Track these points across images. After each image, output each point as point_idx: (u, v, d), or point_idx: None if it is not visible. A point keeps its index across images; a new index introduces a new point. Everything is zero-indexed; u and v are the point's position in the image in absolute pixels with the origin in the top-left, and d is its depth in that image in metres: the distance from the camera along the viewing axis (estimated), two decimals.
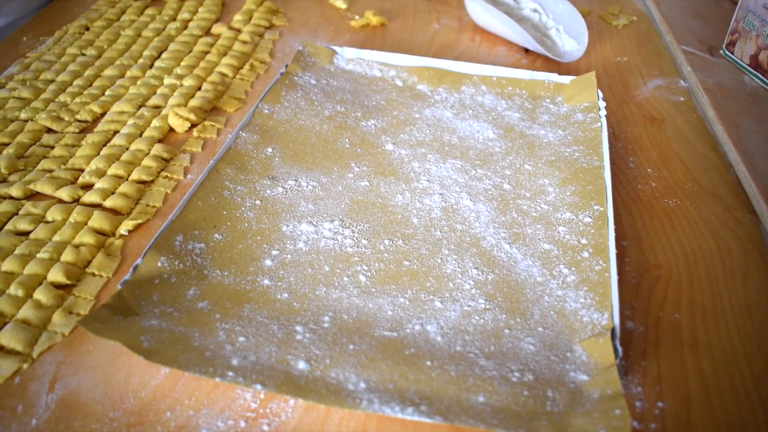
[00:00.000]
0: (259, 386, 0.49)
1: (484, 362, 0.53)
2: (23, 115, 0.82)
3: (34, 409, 0.51)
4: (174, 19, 1.06)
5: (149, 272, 0.59)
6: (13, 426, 0.50)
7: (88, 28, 1.03)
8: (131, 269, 0.58)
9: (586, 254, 0.63)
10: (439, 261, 0.63)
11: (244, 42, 0.99)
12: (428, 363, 0.52)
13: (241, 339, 0.53)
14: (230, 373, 0.50)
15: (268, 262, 0.62)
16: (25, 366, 0.54)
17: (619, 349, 0.53)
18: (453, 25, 1.09)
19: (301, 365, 0.51)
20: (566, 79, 0.89)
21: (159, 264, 0.59)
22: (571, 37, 1.02)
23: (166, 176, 0.74)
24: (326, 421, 0.51)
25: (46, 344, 0.56)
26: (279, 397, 0.52)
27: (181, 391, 0.52)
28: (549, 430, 0.46)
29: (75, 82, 0.89)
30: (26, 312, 0.58)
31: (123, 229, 0.66)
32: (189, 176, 0.74)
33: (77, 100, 0.85)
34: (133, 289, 0.57)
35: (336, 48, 0.94)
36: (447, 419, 0.47)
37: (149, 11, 1.08)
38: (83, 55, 0.96)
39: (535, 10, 1.07)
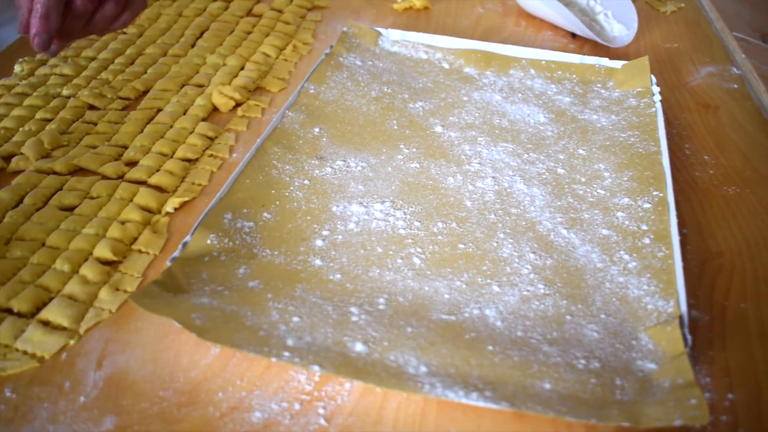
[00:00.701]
0: (316, 367, 0.47)
1: (547, 348, 0.51)
2: (65, 92, 0.81)
3: (81, 387, 0.50)
4: None
5: (198, 249, 0.57)
6: (60, 403, 0.48)
7: None
8: (180, 246, 0.57)
9: (647, 240, 0.61)
10: (495, 245, 0.61)
11: (287, 23, 0.97)
12: (490, 348, 0.50)
13: (295, 319, 0.52)
14: (286, 353, 0.48)
15: (318, 242, 0.60)
16: (72, 342, 0.53)
17: (689, 337, 0.51)
18: (497, 10, 1.07)
19: (359, 347, 0.50)
20: (617, 64, 0.87)
21: (208, 241, 0.58)
22: (619, 22, 1.00)
23: (211, 155, 0.72)
24: (384, 405, 0.49)
25: (93, 321, 0.54)
26: (334, 379, 0.50)
27: (233, 372, 0.51)
28: (621, 419, 0.44)
29: (116, 60, 0.87)
30: (72, 287, 0.56)
31: (169, 207, 0.65)
32: (234, 155, 0.73)
33: (119, 77, 0.84)
34: (182, 266, 0.55)
35: (381, 30, 0.92)
36: (513, 405, 0.45)
37: None
38: (124, 33, 0.94)
39: None
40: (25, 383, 0.50)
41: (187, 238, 0.58)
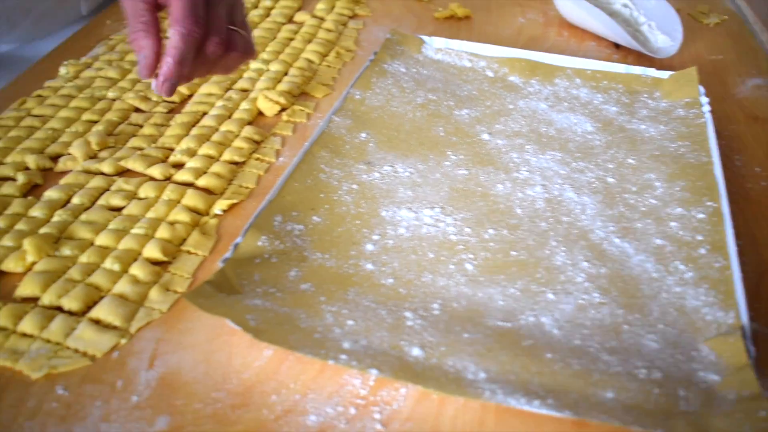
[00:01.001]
0: (374, 371, 0.46)
1: (607, 357, 0.50)
2: (110, 94, 0.81)
3: (133, 386, 0.49)
4: (256, 6, 1.04)
5: (249, 251, 0.57)
6: (113, 401, 0.48)
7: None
8: (231, 247, 0.57)
9: (703, 251, 0.60)
10: (548, 252, 0.60)
11: (329, 30, 0.97)
12: (548, 355, 0.49)
13: (350, 322, 0.51)
14: (343, 356, 0.47)
15: (369, 247, 0.60)
16: (123, 341, 0.52)
17: (752, 348, 0.50)
18: (538, 20, 1.06)
19: (416, 352, 0.49)
20: (664, 74, 0.86)
21: (259, 243, 0.57)
22: (663, 33, 0.99)
23: (258, 158, 0.72)
24: (441, 411, 0.48)
25: (144, 320, 0.54)
26: (389, 384, 0.49)
27: (286, 374, 0.50)
28: (689, 430, 0.43)
29: None
30: (123, 287, 0.56)
31: (217, 209, 0.64)
32: (281, 159, 0.72)
33: None
34: (234, 267, 0.55)
35: (424, 37, 0.91)
36: (577, 414, 0.44)
37: None
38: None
39: (625, 5, 1.03)
40: (77, 381, 0.49)
41: (239, 239, 0.57)
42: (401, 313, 0.53)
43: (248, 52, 0.67)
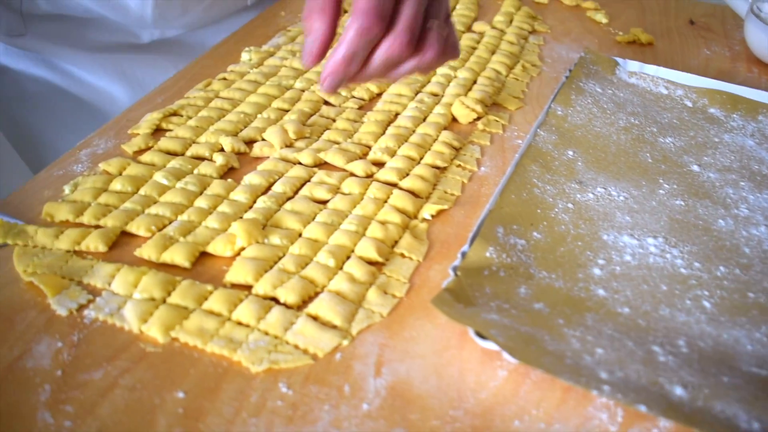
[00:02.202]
0: (642, 407, 0.42)
1: None
2: (298, 85, 0.78)
3: (363, 392, 0.45)
4: None
5: (477, 261, 0.53)
6: (342, 407, 0.44)
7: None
8: (459, 255, 0.53)
9: None
10: None
11: (511, 43, 0.93)
12: None
13: (599, 351, 0.47)
14: (606, 387, 0.43)
15: (596, 271, 0.55)
16: (345, 342, 0.49)
17: None
18: (724, 53, 1.00)
19: (678, 391, 0.44)
20: None
21: (487, 254, 0.53)
22: None
23: (459, 165, 0.68)
24: None
25: (365, 322, 0.50)
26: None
27: (527, 399, 0.46)
28: None
29: None
30: (340, 284, 0.52)
31: (426, 213, 0.61)
32: (482, 168, 0.68)
33: None
34: (465, 277, 0.51)
35: (618, 59, 0.87)
36: None
37: None
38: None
39: None
40: (301, 380, 0.46)
41: (465, 247, 0.54)
42: (649, 347, 0.48)
43: (448, 52, 0.59)
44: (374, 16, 0.51)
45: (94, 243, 0.54)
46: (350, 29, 0.51)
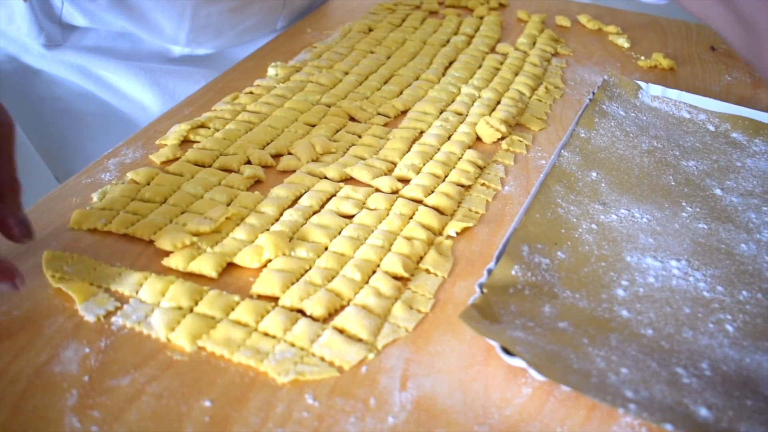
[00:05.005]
0: (669, 426, 0.42)
1: None
2: (324, 100, 0.79)
3: (388, 406, 0.46)
4: (456, 32, 1.02)
5: (503, 279, 0.53)
6: (368, 420, 0.45)
7: (370, 29, 1.01)
8: (485, 272, 0.53)
9: None
10: None
11: (534, 65, 0.94)
12: None
13: (624, 371, 0.47)
14: (632, 406, 0.43)
15: (620, 292, 0.56)
16: (371, 356, 0.49)
17: None
18: (746, 80, 1.01)
19: (703, 412, 0.44)
20: None
21: (513, 272, 0.54)
22: None
23: (483, 184, 0.68)
24: None
25: (391, 336, 0.50)
26: None
27: (551, 416, 0.46)
28: None
29: (370, 77, 0.86)
30: (366, 298, 0.53)
31: (451, 230, 0.61)
32: (506, 188, 0.69)
33: (376, 94, 0.82)
34: (491, 294, 0.51)
35: (641, 83, 0.87)
36: None
37: (430, 21, 1.06)
38: (372, 53, 0.93)
39: None
40: (327, 392, 0.46)
41: (491, 265, 0.54)
42: (673, 369, 0.48)
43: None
44: None
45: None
46: None
